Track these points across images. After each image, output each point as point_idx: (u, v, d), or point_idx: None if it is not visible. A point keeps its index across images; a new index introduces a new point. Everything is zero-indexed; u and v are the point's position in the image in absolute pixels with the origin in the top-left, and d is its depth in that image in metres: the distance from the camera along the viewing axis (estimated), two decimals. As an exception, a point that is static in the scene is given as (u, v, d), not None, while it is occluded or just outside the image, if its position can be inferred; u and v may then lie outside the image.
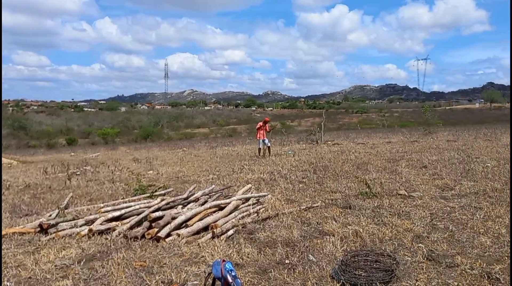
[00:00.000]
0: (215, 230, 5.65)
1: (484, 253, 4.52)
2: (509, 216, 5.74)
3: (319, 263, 4.40)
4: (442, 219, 5.87)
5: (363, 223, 5.77)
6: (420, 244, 4.82)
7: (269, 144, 16.37)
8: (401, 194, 7.55)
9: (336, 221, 5.96)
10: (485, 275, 3.90)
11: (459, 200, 6.99)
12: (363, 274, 3.86)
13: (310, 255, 4.64)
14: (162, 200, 6.90)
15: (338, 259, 4.32)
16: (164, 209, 6.55)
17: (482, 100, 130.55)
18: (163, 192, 8.78)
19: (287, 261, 4.54)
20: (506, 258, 4.31)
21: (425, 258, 4.40)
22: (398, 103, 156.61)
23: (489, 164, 10.73)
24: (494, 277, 3.87)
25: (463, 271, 4.02)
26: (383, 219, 5.97)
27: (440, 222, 5.72)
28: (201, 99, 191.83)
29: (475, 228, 5.35)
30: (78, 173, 13.63)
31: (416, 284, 3.81)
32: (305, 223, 6.04)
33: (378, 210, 6.56)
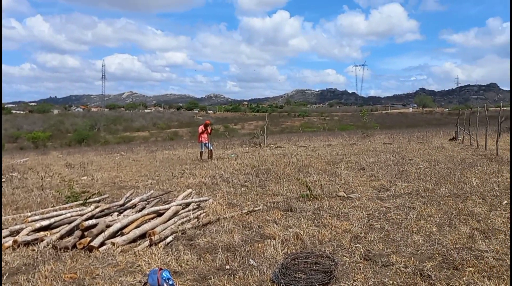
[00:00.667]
0: (152, 237, 5.45)
1: (417, 251, 4.77)
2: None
3: (259, 267, 4.38)
4: (379, 220, 6.14)
5: (304, 226, 5.87)
6: (357, 245, 4.99)
7: (211, 148, 16.23)
8: (340, 196, 7.81)
9: (277, 224, 6.01)
10: (418, 273, 4.11)
11: (394, 200, 7.37)
12: (303, 277, 3.90)
13: (251, 260, 4.62)
14: (96, 207, 6.53)
15: (279, 263, 4.33)
16: (98, 217, 6.21)
17: (415, 105, 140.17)
18: (97, 199, 8.33)
19: (227, 267, 4.48)
20: (437, 255, 4.58)
21: (362, 258, 4.56)
22: (338, 107, 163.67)
23: (421, 166, 11.46)
24: (426, 274, 4.08)
25: (398, 270, 4.21)
26: (323, 221, 6.12)
27: (377, 222, 5.98)
28: (141, 102, 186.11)
29: (408, 228, 5.65)
30: (4, 180, 12.54)
31: (354, 284, 3.92)
32: (246, 227, 6.02)
33: (319, 212, 6.71)
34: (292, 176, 10.50)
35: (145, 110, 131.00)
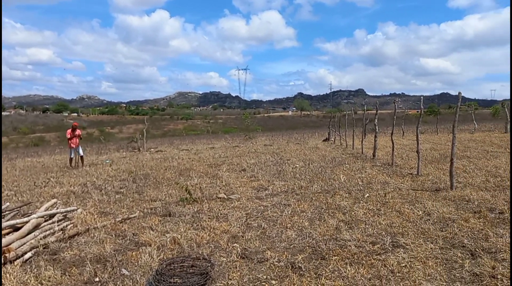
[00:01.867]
0: (7, 254, 4.83)
1: (290, 245, 5.12)
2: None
3: (132, 276, 4.21)
4: (256, 218, 6.42)
5: (182, 230, 5.83)
6: (235, 244, 5.15)
7: (82, 154, 15.00)
8: (220, 198, 7.96)
9: (154, 230, 5.85)
10: (290, 265, 4.41)
11: (271, 199, 7.79)
12: (178, 281, 3.87)
13: (123, 269, 4.41)
14: None
15: (154, 270, 4.23)
16: None
17: (294, 108, 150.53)
18: None
19: (96, 279, 4.20)
20: (308, 247, 4.98)
21: (239, 257, 4.71)
22: (222, 110, 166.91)
23: (297, 165, 12.35)
24: (297, 266, 4.41)
25: (272, 264, 4.46)
26: (202, 224, 6.16)
27: (254, 221, 6.25)
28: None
29: (283, 224, 6.03)
30: None
31: (230, 283, 4.04)
32: (120, 236, 5.73)
33: (198, 214, 6.74)
34: (172, 181, 10.35)
35: (3, 113, 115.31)
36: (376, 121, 14.04)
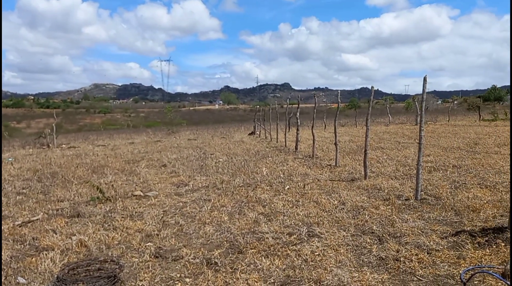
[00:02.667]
0: None
1: (207, 241, 5.09)
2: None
3: (30, 285, 3.90)
4: (174, 215, 6.29)
5: (91, 231, 5.52)
6: (149, 243, 4.99)
7: None
8: (136, 195, 7.68)
9: (58, 233, 5.46)
10: (205, 262, 4.38)
11: (191, 194, 7.69)
12: (82, 287, 3.65)
13: (19, 278, 4.06)
14: None
15: (55, 276, 3.94)
16: None
17: (221, 102, 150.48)
18: None
19: (-14, 293, 3.82)
20: (225, 242, 4.98)
21: (152, 256, 4.58)
22: (144, 103, 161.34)
23: (221, 159, 12.34)
24: (213, 262, 4.38)
25: (187, 262, 4.39)
26: (114, 224, 5.88)
27: (172, 218, 6.11)
28: None
29: (202, 220, 5.97)
30: None
31: (140, 284, 3.90)
32: (18, 241, 5.27)
33: (110, 214, 6.43)
34: (84, 179, 9.78)
35: None
36: (298, 115, 14.49)
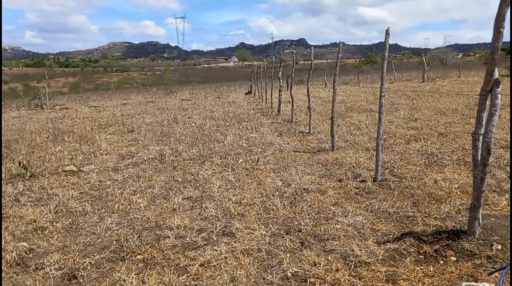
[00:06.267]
0: None
1: (96, 240, 4.04)
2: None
3: None
4: (88, 199, 5.22)
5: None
6: (22, 243, 3.93)
7: None
8: (67, 170, 6.63)
9: None
10: (67, 276, 3.32)
11: (129, 170, 6.59)
12: None
13: None
14: None
15: None
16: None
17: (236, 59, 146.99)
18: None
19: None
20: (115, 243, 3.91)
21: (13, 263, 3.53)
22: (160, 61, 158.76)
23: (194, 124, 11.15)
24: (77, 275, 3.34)
25: (46, 274, 3.33)
26: (9, 211, 4.86)
27: (80, 204, 5.02)
28: None
29: (113, 206, 4.86)
30: None
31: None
32: None
33: (19, 196, 5.42)
34: (38, 148, 8.80)
35: None
36: (280, 74, 12.98)
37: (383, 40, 5.13)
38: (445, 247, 3.33)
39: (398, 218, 4.05)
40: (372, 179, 5.25)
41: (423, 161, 6.07)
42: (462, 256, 3.19)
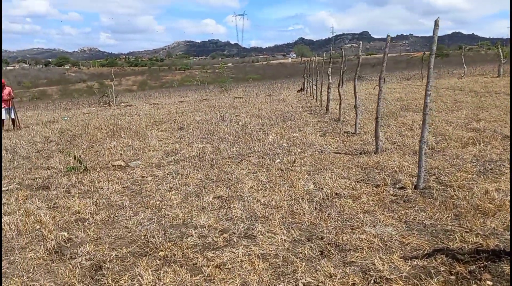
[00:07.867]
0: None
1: (127, 234, 4.15)
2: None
3: None
4: (128, 194, 5.41)
5: (31, 210, 4.84)
6: (63, 233, 4.15)
7: (13, 116, 13.24)
8: (116, 165, 6.93)
9: (-12, 213, 4.88)
10: (94, 267, 3.44)
11: (170, 167, 6.73)
12: None
13: None
14: None
15: None
16: None
17: (295, 55, 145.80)
18: None
19: None
20: (142, 238, 3.99)
21: (52, 251, 3.73)
22: (220, 59, 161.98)
23: (240, 123, 11.16)
24: (104, 267, 3.44)
25: (78, 263, 3.48)
26: (59, 202, 5.17)
27: (121, 198, 5.21)
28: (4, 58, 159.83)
29: (148, 202, 4.98)
30: None
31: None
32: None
33: (72, 188, 5.76)
34: (98, 142, 9.33)
35: (7, 68, 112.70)
36: (330, 70, 12.59)
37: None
38: (482, 268, 2.98)
39: (433, 231, 3.71)
40: (413, 186, 4.89)
41: (477, 168, 5.51)
42: (500, 280, 2.83)
